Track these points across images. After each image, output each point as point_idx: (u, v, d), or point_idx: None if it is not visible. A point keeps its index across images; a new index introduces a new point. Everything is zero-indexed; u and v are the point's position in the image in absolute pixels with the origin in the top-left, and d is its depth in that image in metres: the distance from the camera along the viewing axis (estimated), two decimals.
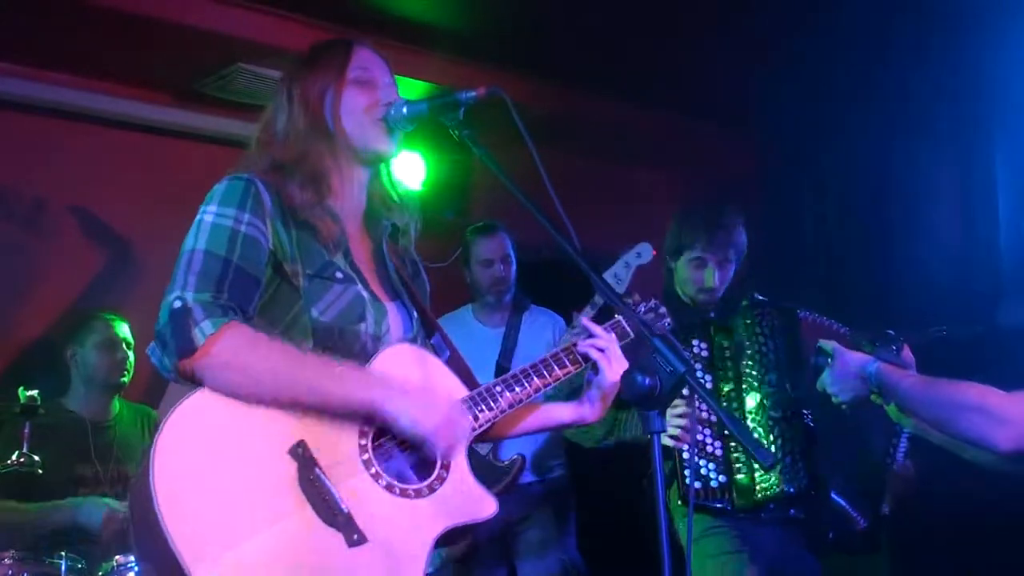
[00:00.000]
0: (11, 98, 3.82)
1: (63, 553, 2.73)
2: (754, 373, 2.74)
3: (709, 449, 2.68)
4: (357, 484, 1.63)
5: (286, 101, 1.85)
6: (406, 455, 1.72)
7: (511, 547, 3.59)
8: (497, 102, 1.76)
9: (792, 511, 2.73)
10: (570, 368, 1.93)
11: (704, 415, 2.69)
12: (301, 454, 1.59)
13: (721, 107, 4.98)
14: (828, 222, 5.42)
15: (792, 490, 2.65)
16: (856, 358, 2.27)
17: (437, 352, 1.92)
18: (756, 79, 4.63)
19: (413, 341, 1.86)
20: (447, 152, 4.60)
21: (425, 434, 1.65)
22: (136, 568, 2.79)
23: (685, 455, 2.64)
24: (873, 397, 2.28)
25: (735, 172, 5.61)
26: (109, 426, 3.35)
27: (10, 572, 2.68)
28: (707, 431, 2.69)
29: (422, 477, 1.71)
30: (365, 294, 1.79)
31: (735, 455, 2.67)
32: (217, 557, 1.48)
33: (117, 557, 2.82)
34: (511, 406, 1.83)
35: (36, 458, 2.85)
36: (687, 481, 2.64)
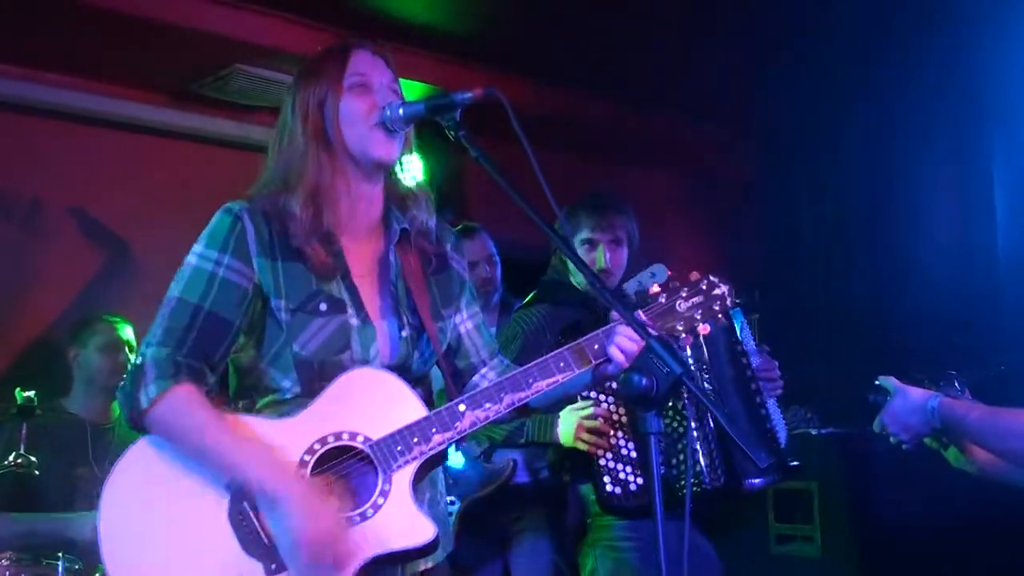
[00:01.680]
0: (9, 99, 3.82)
1: (60, 554, 2.73)
2: None
3: (624, 452, 2.63)
4: None
5: (289, 113, 1.85)
6: (345, 482, 1.72)
7: (505, 548, 3.59)
8: (494, 103, 1.76)
9: (716, 503, 2.73)
10: (572, 371, 1.82)
11: (615, 417, 2.64)
12: (236, 487, 1.68)
13: (719, 108, 4.98)
14: (826, 222, 5.42)
15: (712, 487, 2.64)
16: (918, 394, 2.17)
17: (451, 354, 1.93)
18: (754, 81, 4.64)
19: (401, 363, 1.83)
20: (444, 153, 4.60)
21: (296, 543, 1.63)
22: None
23: (601, 461, 2.61)
24: (928, 441, 2.17)
25: (733, 173, 5.62)
26: (108, 429, 3.35)
27: (7, 573, 2.67)
28: (620, 433, 2.64)
29: (360, 502, 1.70)
30: (354, 322, 1.78)
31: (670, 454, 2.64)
32: None
33: None
34: (472, 426, 1.76)
35: (33, 459, 2.85)
36: (605, 487, 2.60)
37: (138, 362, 1.71)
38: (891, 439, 2.18)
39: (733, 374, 2.80)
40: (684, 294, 1.99)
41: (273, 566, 1.65)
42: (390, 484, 1.70)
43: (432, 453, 1.73)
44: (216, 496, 1.68)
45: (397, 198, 1.94)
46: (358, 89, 1.83)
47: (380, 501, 1.69)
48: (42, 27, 3.58)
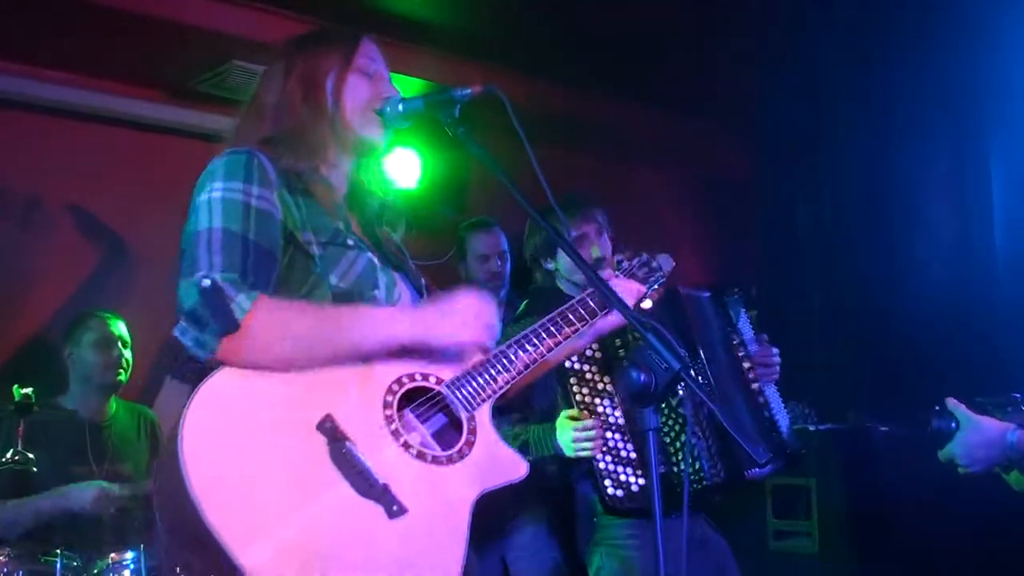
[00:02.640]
0: (5, 95, 3.81)
1: (58, 551, 2.73)
2: None
3: (624, 454, 2.62)
4: (389, 455, 1.61)
5: (282, 76, 1.84)
6: (429, 424, 1.71)
7: (503, 544, 3.59)
8: (493, 100, 1.77)
9: (717, 497, 2.73)
10: (567, 331, 1.90)
11: (611, 419, 2.64)
12: (330, 428, 1.57)
13: (719, 107, 4.98)
14: (824, 220, 5.43)
15: (712, 482, 2.64)
16: (993, 426, 2.12)
17: None
18: (754, 79, 4.64)
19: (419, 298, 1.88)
20: (443, 150, 4.60)
21: (465, 343, 1.71)
22: (132, 566, 2.80)
23: (601, 464, 2.60)
24: (996, 469, 2.15)
25: (732, 172, 5.63)
26: (106, 426, 3.35)
27: (5, 570, 2.67)
28: (617, 435, 2.63)
29: (447, 445, 1.70)
30: (376, 261, 1.79)
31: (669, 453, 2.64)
32: (263, 542, 1.44)
33: (112, 554, 2.82)
34: (527, 367, 1.82)
35: (31, 456, 2.85)
36: (607, 490, 2.60)
37: (205, 284, 1.56)
38: (959, 469, 2.16)
39: (729, 366, 2.80)
40: (636, 264, 2.18)
41: (395, 507, 1.57)
42: (475, 422, 1.71)
43: (501, 392, 1.78)
44: (311, 440, 1.55)
45: (363, 182, 1.95)
46: (367, 74, 1.86)
47: (472, 439, 1.69)
48: (39, 24, 3.57)
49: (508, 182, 1.78)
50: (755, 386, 2.81)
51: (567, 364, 2.65)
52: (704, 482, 2.63)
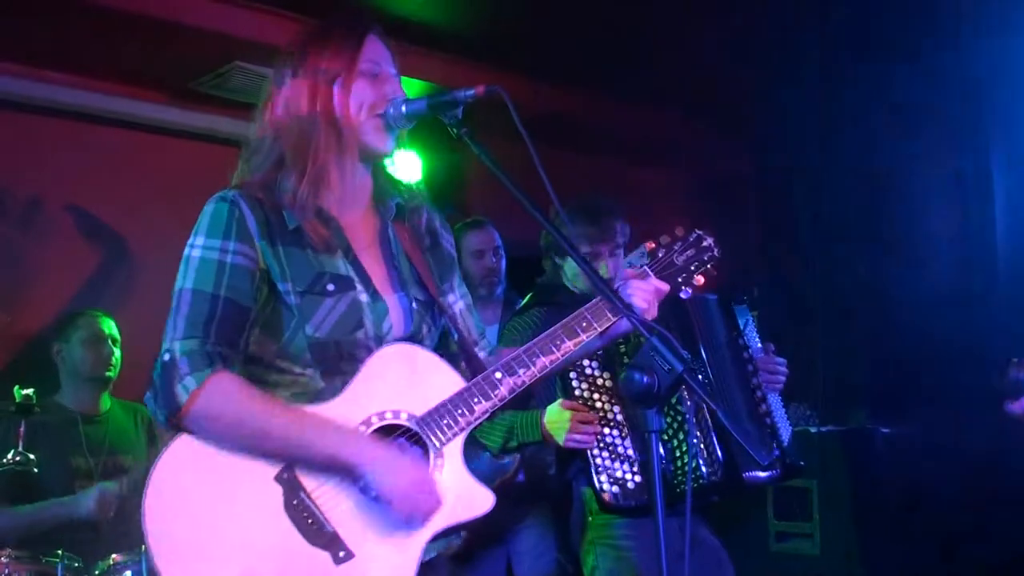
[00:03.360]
0: (6, 97, 3.81)
1: (59, 552, 2.73)
2: None
3: (620, 450, 2.62)
4: (346, 499, 1.65)
5: (289, 83, 1.81)
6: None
7: (507, 546, 3.59)
8: (496, 101, 1.76)
9: (713, 497, 2.72)
10: (583, 336, 1.85)
11: (609, 415, 2.63)
12: (287, 479, 1.64)
13: (718, 106, 4.98)
14: (824, 219, 5.42)
15: (709, 481, 2.63)
16: None
17: (448, 334, 1.89)
18: (752, 78, 4.64)
19: (413, 336, 1.82)
20: (445, 150, 4.60)
21: (392, 501, 1.64)
22: (133, 567, 2.80)
23: (598, 460, 2.60)
24: None
25: (732, 171, 5.63)
26: (100, 420, 3.36)
27: (7, 571, 2.67)
28: (615, 432, 2.62)
29: None
30: (363, 298, 1.76)
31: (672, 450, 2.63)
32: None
33: (114, 555, 2.81)
34: (511, 392, 1.77)
35: (32, 456, 2.85)
36: (603, 486, 2.60)
37: (165, 359, 1.63)
38: None
39: (733, 371, 2.79)
40: (678, 248, 2.08)
41: (341, 554, 1.62)
42: (442, 457, 1.70)
43: (476, 423, 1.73)
44: (267, 490, 1.62)
45: (384, 180, 1.92)
46: (371, 77, 1.82)
47: (437, 475, 1.69)
48: (41, 25, 3.57)
49: (510, 183, 1.77)
50: (758, 393, 2.80)
51: None
52: (701, 481, 2.62)
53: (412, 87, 4.17)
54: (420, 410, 1.72)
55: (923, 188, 5.10)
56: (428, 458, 1.71)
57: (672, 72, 4.57)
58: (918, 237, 5.01)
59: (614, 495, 2.60)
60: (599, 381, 2.64)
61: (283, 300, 1.72)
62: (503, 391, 1.75)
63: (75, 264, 3.92)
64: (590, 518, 2.71)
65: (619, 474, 2.60)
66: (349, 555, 1.62)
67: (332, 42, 1.83)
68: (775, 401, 2.83)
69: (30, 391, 2.88)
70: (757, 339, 2.88)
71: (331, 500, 1.65)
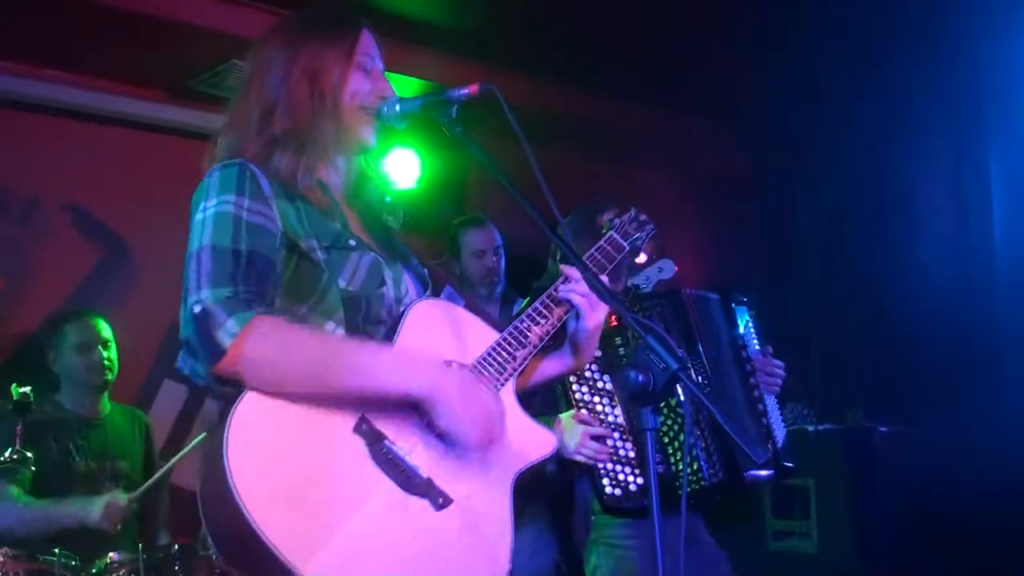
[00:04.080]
0: (4, 95, 3.81)
1: (56, 550, 2.73)
2: None
3: (622, 453, 2.61)
4: (425, 447, 1.61)
5: (283, 66, 1.78)
6: None
7: None
8: (491, 99, 1.76)
9: (716, 498, 2.72)
10: (560, 312, 1.87)
11: (610, 418, 2.62)
12: (366, 430, 1.56)
13: (718, 105, 4.98)
14: (823, 218, 5.43)
15: (711, 483, 2.63)
16: None
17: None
18: (752, 78, 4.64)
19: (433, 296, 1.85)
20: (442, 150, 4.60)
21: (467, 438, 1.62)
22: (130, 566, 2.80)
23: (600, 464, 2.59)
24: None
25: (731, 171, 5.62)
26: (100, 424, 3.35)
27: (4, 569, 2.67)
28: (616, 434, 2.61)
29: None
30: (380, 257, 1.76)
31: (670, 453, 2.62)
32: (322, 553, 1.46)
33: (111, 554, 2.82)
34: (537, 344, 1.81)
35: (29, 455, 2.85)
36: (605, 488, 2.59)
37: (196, 311, 1.51)
38: None
39: (732, 370, 2.79)
40: (628, 221, 2.13)
41: (440, 500, 1.59)
42: (501, 402, 1.69)
43: (521, 368, 1.78)
44: (349, 444, 1.54)
45: (361, 175, 1.91)
46: (366, 70, 1.82)
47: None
48: (38, 23, 3.57)
49: (506, 182, 1.77)
50: (756, 393, 2.80)
51: None
52: (703, 482, 2.62)
53: (409, 85, 4.18)
54: (468, 360, 1.73)
55: (923, 188, 5.10)
56: None
57: (672, 72, 4.57)
58: (917, 237, 5.01)
59: (616, 497, 2.60)
60: (599, 384, 2.64)
61: (309, 257, 1.66)
62: (533, 337, 1.80)
63: (73, 262, 3.92)
64: (593, 517, 2.72)
65: (621, 476, 2.61)
66: (448, 500, 1.58)
67: (331, 31, 1.83)
68: (771, 402, 2.83)
69: (27, 389, 2.88)
70: (756, 340, 2.89)
71: (415, 446, 1.60)
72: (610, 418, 2.63)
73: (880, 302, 4.97)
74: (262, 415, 1.50)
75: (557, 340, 1.92)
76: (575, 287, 1.87)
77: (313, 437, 1.53)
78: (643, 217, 2.17)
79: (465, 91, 1.79)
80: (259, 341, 1.50)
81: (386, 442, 1.57)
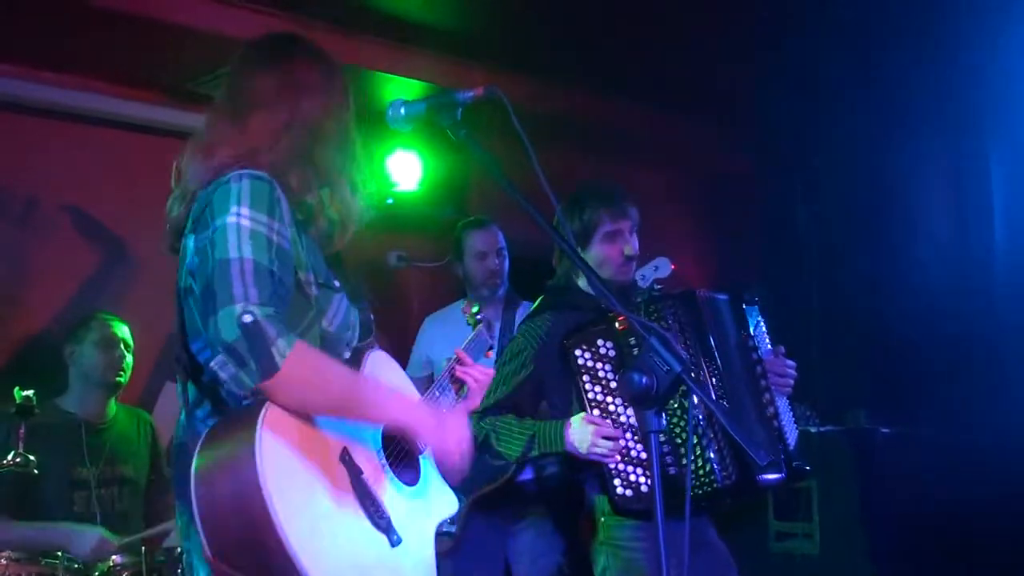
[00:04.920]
0: (4, 97, 3.81)
1: (59, 554, 2.72)
2: None
3: (634, 454, 2.59)
4: (386, 488, 1.76)
5: (319, 97, 1.81)
6: (399, 460, 1.86)
7: (506, 547, 3.59)
8: (495, 102, 1.76)
9: (727, 501, 2.72)
10: (458, 387, 2.17)
11: (622, 418, 2.61)
12: (348, 461, 1.66)
13: (717, 106, 4.98)
14: (823, 220, 5.43)
15: (723, 485, 2.61)
16: None
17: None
18: (752, 79, 4.64)
19: (367, 344, 1.95)
20: (445, 152, 4.60)
21: (445, 454, 1.84)
22: (132, 571, 2.80)
23: (611, 464, 2.58)
24: None
25: (731, 170, 5.63)
26: (104, 428, 3.34)
27: (7, 572, 2.67)
28: (628, 435, 2.60)
29: (409, 482, 1.86)
30: (348, 303, 1.85)
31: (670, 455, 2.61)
32: (325, 564, 1.55)
33: (114, 557, 2.81)
34: (450, 404, 2.11)
35: (32, 459, 2.84)
36: (615, 490, 2.59)
37: (246, 320, 1.53)
38: None
39: (742, 372, 2.77)
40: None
41: (395, 538, 1.69)
42: (425, 460, 1.91)
43: None
44: (337, 470, 1.65)
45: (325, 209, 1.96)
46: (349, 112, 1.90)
47: (424, 474, 1.90)
48: (39, 26, 3.57)
49: (509, 185, 1.78)
50: (766, 395, 2.78)
51: (579, 361, 2.63)
52: (715, 485, 2.60)
53: (410, 88, 4.18)
54: None
55: (922, 188, 5.10)
56: (419, 460, 1.91)
57: (672, 72, 4.57)
58: (917, 237, 5.02)
59: (627, 498, 2.59)
60: (612, 385, 2.63)
61: (303, 290, 1.71)
62: (443, 404, 2.10)
63: (73, 265, 3.91)
64: (602, 519, 2.71)
65: (632, 477, 2.60)
66: (399, 540, 1.70)
67: (339, 76, 1.88)
68: (783, 404, 2.81)
69: (30, 392, 2.87)
70: (767, 340, 2.87)
71: (379, 485, 1.73)
72: (622, 418, 2.61)
73: (880, 302, 4.98)
74: (287, 427, 1.59)
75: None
76: (474, 372, 2.15)
77: (317, 458, 1.62)
78: None
79: (470, 94, 1.80)
80: (302, 365, 1.57)
81: (363, 476, 1.67)
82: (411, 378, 4.21)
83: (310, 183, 1.77)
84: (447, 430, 1.82)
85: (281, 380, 1.54)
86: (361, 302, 1.91)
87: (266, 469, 1.49)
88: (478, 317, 2.69)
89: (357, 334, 1.85)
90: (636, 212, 2.88)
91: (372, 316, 1.94)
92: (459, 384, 2.17)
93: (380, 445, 1.78)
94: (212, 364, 1.55)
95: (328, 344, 1.75)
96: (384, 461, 1.77)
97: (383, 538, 1.67)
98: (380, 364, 1.90)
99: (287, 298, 1.63)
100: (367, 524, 1.65)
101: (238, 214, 1.63)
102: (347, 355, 1.81)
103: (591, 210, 2.81)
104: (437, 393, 2.13)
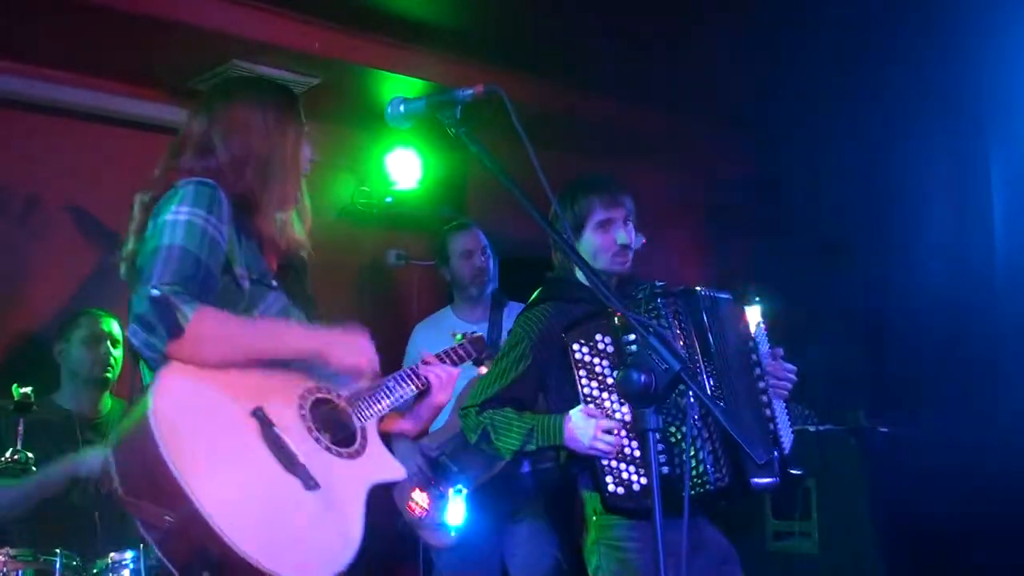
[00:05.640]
0: (5, 95, 3.81)
1: (58, 550, 2.73)
2: None
3: (627, 451, 2.58)
4: (304, 443, 1.94)
5: (264, 123, 2.08)
6: (330, 426, 2.04)
7: (502, 540, 3.60)
8: (495, 100, 1.77)
9: (721, 502, 2.71)
10: (417, 383, 2.29)
11: (617, 415, 2.59)
12: (261, 416, 1.88)
13: (718, 106, 4.99)
14: (823, 220, 5.43)
15: (716, 487, 2.59)
16: None
17: None
18: (752, 78, 4.64)
19: None
20: (444, 150, 4.60)
21: (355, 368, 2.06)
22: (131, 565, 2.80)
23: (604, 461, 2.58)
24: None
25: (731, 171, 5.63)
26: (99, 422, 3.35)
27: (5, 569, 2.68)
28: (623, 433, 2.58)
29: (344, 446, 2.04)
30: (288, 301, 2.11)
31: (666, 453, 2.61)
32: (213, 488, 1.74)
33: (112, 554, 2.81)
34: (396, 400, 2.22)
35: (30, 455, 2.85)
36: (608, 487, 2.58)
37: (154, 295, 1.80)
38: None
39: (740, 372, 2.75)
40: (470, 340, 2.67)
41: (311, 483, 1.87)
42: (367, 432, 2.09)
43: (384, 412, 2.17)
44: (247, 421, 1.87)
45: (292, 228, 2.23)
46: (306, 137, 2.17)
47: (364, 443, 2.07)
48: (38, 23, 3.57)
49: (509, 183, 1.78)
50: (764, 397, 2.77)
51: (578, 356, 2.62)
52: (707, 486, 2.58)
53: (410, 86, 4.18)
54: (346, 393, 2.11)
55: (923, 189, 5.10)
56: (356, 428, 2.08)
57: (672, 72, 4.58)
58: (917, 237, 5.02)
59: (619, 496, 2.58)
60: (609, 381, 2.62)
61: (236, 282, 1.98)
62: (395, 396, 2.21)
63: (73, 263, 3.91)
64: (595, 518, 2.70)
65: (625, 475, 2.58)
66: (317, 484, 1.87)
67: (296, 105, 2.17)
68: (779, 407, 2.79)
69: (28, 389, 2.88)
70: (767, 342, 2.86)
71: (296, 438, 1.92)
72: (618, 415, 2.59)
73: (881, 302, 4.98)
74: (180, 386, 1.83)
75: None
76: (433, 368, 2.33)
77: (218, 409, 1.86)
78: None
79: (470, 91, 1.81)
80: (205, 324, 1.82)
81: (275, 428, 1.88)
82: None
83: (259, 200, 2.06)
84: (351, 345, 2.02)
85: (187, 339, 1.79)
86: (311, 310, 2.19)
87: (158, 421, 1.74)
88: (467, 336, 2.72)
89: None
90: (631, 201, 2.87)
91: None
92: (420, 381, 2.31)
93: (307, 408, 1.98)
94: (127, 334, 1.84)
95: None
96: (310, 423, 1.97)
97: (295, 480, 1.86)
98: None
99: (211, 282, 1.90)
100: (277, 467, 1.85)
101: (177, 211, 1.93)
102: None
103: (583, 199, 2.81)
104: (391, 384, 2.23)
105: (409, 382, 2.28)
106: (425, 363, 2.36)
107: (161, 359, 1.83)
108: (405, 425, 2.36)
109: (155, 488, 1.73)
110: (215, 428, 1.83)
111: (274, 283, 2.07)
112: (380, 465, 2.08)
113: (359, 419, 2.09)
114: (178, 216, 1.91)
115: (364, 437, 2.07)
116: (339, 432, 2.04)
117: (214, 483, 1.74)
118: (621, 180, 2.98)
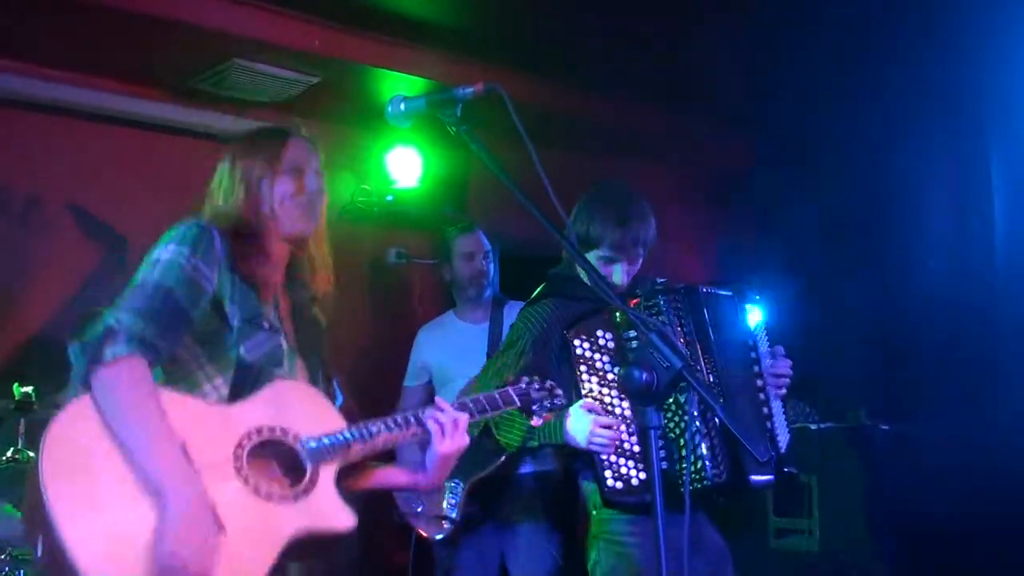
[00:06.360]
0: (5, 94, 3.81)
1: None
2: None
3: (626, 446, 2.59)
4: (226, 485, 1.85)
5: (228, 175, 2.09)
6: (279, 463, 1.96)
7: (502, 541, 3.59)
8: (495, 99, 1.77)
9: (718, 498, 2.71)
10: (414, 431, 2.09)
11: (617, 411, 2.60)
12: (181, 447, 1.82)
13: (718, 104, 4.99)
14: (823, 219, 5.43)
15: (713, 483, 2.60)
16: None
17: (333, 395, 2.17)
18: (753, 77, 4.64)
19: (313, 384, 2.11)
20: (445, 148, 4.60)
21: (173, 539, 1.75)
22: None
23: (603, 456, 2.58)
24: None
25: (731, 170, 5.63)
26: None
27: (6, 569, 2.68)
28: (622, 428, 2.59)
29: (293, 484, 1.94)
30: (284, 346, 2.05)
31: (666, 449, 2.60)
32: (90, 527, 1.70)
33: None
34: (379, 447, 2.05)
35: (31, 454, 2.85)
36: (606, 482, 2.59)
37: (111, 323, 1.85)
38: None
39: (740, 370, 2.76)
40: (536, 387, 2.30)
41: (216, 526, 1.80)
42: (318, 475, 1.95)
43: (354, 458, 2.02)
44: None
45: (301, 266, 2.18)
46: (292, 171, 2.08)
47: (310, 487, 1.93)
48: (39, 22, 3.57)
49: (509, 182, 1.78)
50: (762, 396, 2.77)
51: (578, 351, 2.63)
52: (704, 482, 2.60)
53: (410, 85, 4.18)
54: (305, 434, 1.97)
55: (923, 189, 5.10)
56: (307, 471, 1.94)
57: (672, 71, 4.58)
58: (918, 237, 5.02)
59: (617, 490, 2.59)
60: (609, 376, 2.62)
61: (227, 321, 1.97)
62: (378, 441, 2.03)
63: (74, 262, 3.91)
64: (594, 512, 2.71)
65: (624, 470, 2.59)
66: (223, 529, 1.79)
67: (261, 145, 2.12)
68: (776, 406, 2.80)
69: (29, 389, 2.88)
70: (766, 340, 2.87)
71: (215, 478, 1.84)
72: (617, 411, 2.60)
73: (881, 302, 4.98)
74: (84, 422, 1.79)
75: None
76: (437, 415, 2.10)
77: (118, 456, 1.79)
78: (558, 391, 2.34)
79: (470, 89, 1.81)
80: (118, 375, 1.81)
81: (193, 465, 1.81)
82: (409, 387, 4.23)
83: (249, 247, 2.03)
84: (190, 522, 1.75)
85: (99, 374, 1.80)
86: (317, 362, 2.13)
87: (44, 459, 1.73)
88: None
89: (288, 372, 2.04)
90: (647, 235, 2.84)
91: (319, 371, 2.12)
92: (415, 428, 2.10)
93: (246, 448, 1.89)
94: (68, 346, 1.87)
95: (245, 369, 1.97)
96: (237, 463, 1.87)
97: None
98: (282, 390, 2.00)
99: (180, 317, 1.90)
100: (153, 520, 1.74)
101: (165, 249, 1.95)
102: (266, 382, 1.98)
103: (599, 228, 2.79)
104: (374, 427, 2.05)
105: (401, 428, 2.08)
106: (438, 408, 2.14)
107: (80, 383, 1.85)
108: (401, 478, 2.21)
109: (35, 515, 1.74)
110: (108, 462, 1.77)
111: (266, 324, 2.02)
112: (323, 512, 1.93)
113: (313, 460, 1.95)
114: (162, 254, 1.95)
115: (312, 481, 1.93)
116: (289, 474, 1.94)
117: (84, 520, 1.70)
118: (623, 181, 2.98)
